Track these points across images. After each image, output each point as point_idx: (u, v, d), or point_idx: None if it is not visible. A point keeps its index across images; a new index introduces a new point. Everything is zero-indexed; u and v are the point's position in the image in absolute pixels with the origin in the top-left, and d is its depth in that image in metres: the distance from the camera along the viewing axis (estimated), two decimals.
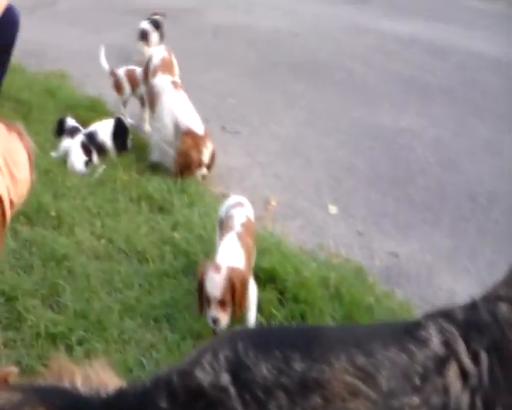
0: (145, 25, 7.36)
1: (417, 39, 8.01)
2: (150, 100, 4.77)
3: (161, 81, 4.66)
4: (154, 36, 7.49)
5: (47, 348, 2.71)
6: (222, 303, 2.68)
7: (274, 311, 3.03)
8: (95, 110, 5.65)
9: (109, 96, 6.12)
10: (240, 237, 2.88)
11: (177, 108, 4.50)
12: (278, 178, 4.70)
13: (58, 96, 5.93)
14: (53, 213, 3.80)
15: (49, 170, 4.49)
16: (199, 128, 4.43)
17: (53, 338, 2.75)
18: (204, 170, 4.53)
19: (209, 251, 3.42)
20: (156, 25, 7.45)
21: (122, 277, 3.23)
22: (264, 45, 7.92)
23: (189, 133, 4.40)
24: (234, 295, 2.66)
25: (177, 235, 3.68)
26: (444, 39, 8.06)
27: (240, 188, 4.55)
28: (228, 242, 2.84)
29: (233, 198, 3.30)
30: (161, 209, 4.09)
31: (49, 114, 5.50)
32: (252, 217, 3.19)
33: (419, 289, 3.53)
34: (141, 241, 3.59)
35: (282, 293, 3.17)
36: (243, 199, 3.29)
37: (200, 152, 4.41)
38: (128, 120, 5.14)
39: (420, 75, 6.73)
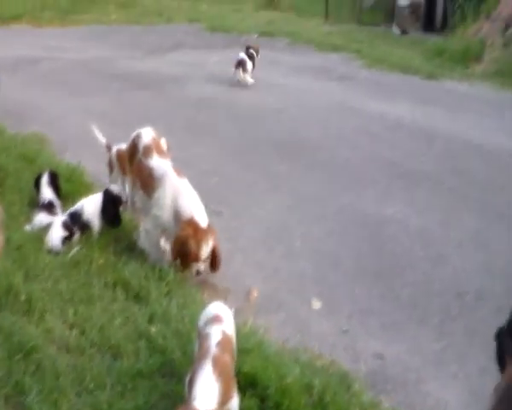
0: (242, 55, 9.98)
1: (402, 122, 8.14)
2: (146, 184, 4.59)
3: (162, 165, 4.55)
4: (249, 64, 9.86)
5: None
6: None
7: None
8: (73, 181, 5.62)
9: (88, 164, 6.10)
10: (216, 363, 2.74)
11: (181, 196, 4.38)
12: (261, 267, 4.65)
13: (36, 163, 5.90)
14: (23, 297, 3.70)
15: (21, 245, 4.41)
16: (202, 220, 4.32)
17: None
18: (201, 266, 4.35)
19: (186, 348, 3.33)
20: (251, 56, 10.08)
21: (94, 375, 3.11)
22: (248, 121, 8.00)
23: (191, 222, 4.27)
24: None
25: (153, 329, 3.59)
26: (428, 123, 8.19)
27: (221, 276, 4.49)
28: (203, 380, 2.68)
29: (212, 308, 3.18)
30: (137, 298, 4.01)
31: (25, 183, 5.44)
32: (231, 330, 3.07)
33: (406, 396, 3.45)
34: (115, 333, 3.49)
35: (263, 400, 3.08)
36: (223, 309, 3.17)
37: (198, 244, 4.24)
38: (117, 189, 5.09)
39: (405, 160, 6.81)
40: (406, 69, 11.43)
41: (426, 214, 5.57)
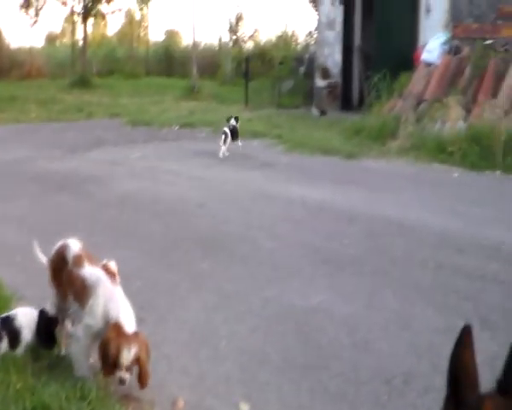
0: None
1: (324, 205, 8.38)
2: (78, 294, 4.46)
3: (94, 273, 4.47)
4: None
5: None
6: None
7: None
8: None
9: (5, 276, 5.96)
10: None
11: (112, 301, 4.28)
12: (186, 374, 4.60)
13: None
14: None
15: None
16: (128, 326, 4.18)
17: None
18: (123, 374, 4.17)
19: None
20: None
21: None
22: (171, 217, 8.05)
23: (116, 326, 4.15)
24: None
25: None
26: (349, 204, 8.47)
27: (149, 388, 4.42)
28: None
29: None
30: None
31: None
32: None
33: None
34: None
35: None
36: None
37: (118, 349, 4.10)
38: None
39: (328, 244, 6.97)
40: (326, 151, 11.86)
41: (351, 300, 5.68)
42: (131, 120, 16.72)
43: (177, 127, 15.40)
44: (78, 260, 4.58)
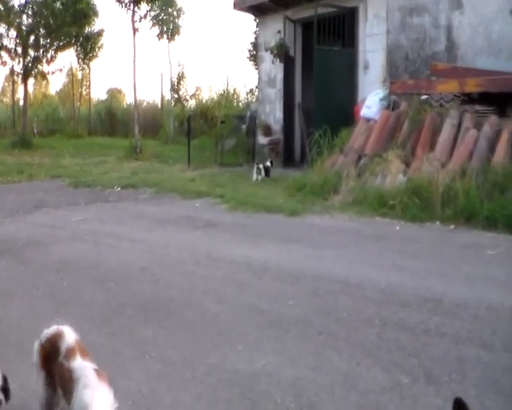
0: None
1: (268, 266, 8.37)
2: (65, 386, 4.17)
3: (82, 368, 4.10)
4: None
5: None
6: None
7: None
8: None
9: None
10: None
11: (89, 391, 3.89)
12: None
13: None
14: None
15: None
16: None
17: None
18: None
19: None
20: None
21: None
22: (112, 283, 7.91)
23: None
24: None
25: None
26: (293, 263, 8.49)
27: None
28: None
29: None
30: None
31: None
32: None
33: None
34: None
35: None
36: None
37: None
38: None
39: (273, 306, 6.94)
40: (269, 209, 11.94)
41: (297, 362, 5.63)
42: (73, 181, 16.54)
43: (119, 188, 15.30)
44: (71, 352, 4.26)
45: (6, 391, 4.43)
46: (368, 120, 15.50)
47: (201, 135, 21.41)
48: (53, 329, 4.55)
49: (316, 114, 18.62)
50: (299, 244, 9.48)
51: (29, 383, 5.32)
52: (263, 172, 16.11)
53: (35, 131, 29.51)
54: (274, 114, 21.73)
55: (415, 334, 6.17)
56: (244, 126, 21.63)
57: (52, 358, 4.35)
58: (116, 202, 13.79)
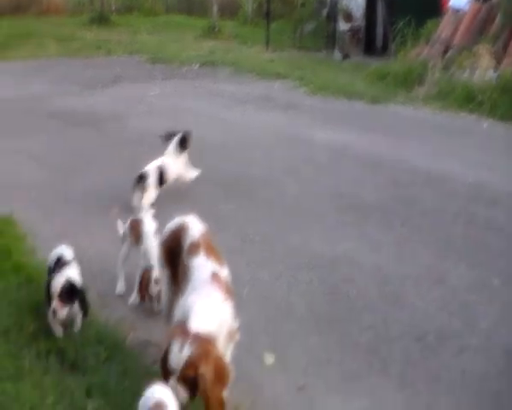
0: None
1: (349, 151, 7.99)
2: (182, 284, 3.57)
3: (203, 266, 3.48)
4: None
5: None
6: None
7: None
8: (3, 235, 5.19)
9: (21, 213, 5.71)
10: None
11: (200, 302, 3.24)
12: None
13: None
14: None
15: None
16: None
17: None
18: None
19: None
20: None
21: None
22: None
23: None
24: None
25: (90, 406, 3.22)
26: (375, 150, 8.06)
27: (162, 331, 4.15)
28: None
29: (153, 394, 2.78)
30: (73, 367, 3.63)
31: None
32: None
33: None
34: None
35: None
36: (165, 393, 2.77)
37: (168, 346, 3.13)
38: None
39: (353, 191, 6.63)
40: (350, 95, 11.37)
41: (379, 250, 5.36)
42: (151, 57, 16.18)
43: (197, 66, 14.87)
44: (195, 248, 3.59)
45: (85, 305, 3.96)
46: (456, 10, 14.41)
47: (280, 18, 20.44)
48: (177, 221, 3.94)
49: (400, 2, 17.48)
50: (381, 133, 8.99)
51: (108, 247, 5.26)
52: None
53: (113, 8, 29.00)
54: (356, 0, 20.58)
55: (504, 234, 5.75)
56: (325, 11, 20.58)
57: (175, 254, 3.71)
58: (194, 80, 13.42)
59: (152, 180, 6.27)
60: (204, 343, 2.97)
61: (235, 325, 3.41)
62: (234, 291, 3.59)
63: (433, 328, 4.29)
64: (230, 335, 3.34)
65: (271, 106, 10.62)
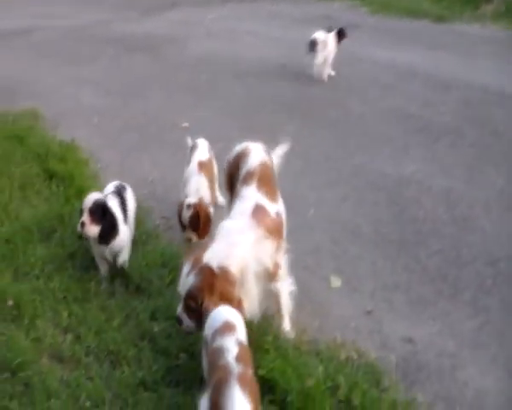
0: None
1: (415, 71, 7.58)
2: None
3: (249, 198, 3.22)
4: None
5: None
6: None
7: None
8: (66, 160, 5.15)
9: (83, 139, 5.66)
10: (243, 384, 2.29)
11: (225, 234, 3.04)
12: None
13: (27, 143, 5.44)
14: (10, 302, 3.28)
15: (10, 238, 3.98)
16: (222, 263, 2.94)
17: None
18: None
19: (192, 349, 2.92)
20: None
21: (90, 390, 2.70)
22: (252, 79, 7.47)
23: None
24: None
25: (156, 327, 3.17)
26: (442, 70, 7.64)
27: None
28: (238, 407, 2.23)
29: (220, 314, 2.65)
30: (138, 290, 3.58)
31: (15, 166, 5.00)
32: (244, 336, 2.59)
33: (442, 387, 3.04)
34: (114, 336, 3.08)
35: (282, 407, 2.67)
36: (232, 313, 2.66)
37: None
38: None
39: (420, 112, 6.29)
40: (414, 13, 10.79)
41: (448, 172, 5.08)
42: None
43: None
44: (250, 177, 3.35)
45: (112, 231, 3.59)
46: None
47: None
48: (241, 146, 3.73)
49: None
50: (448, 52, 8.50)
51: (169, 173, 5.17)
52: None
53: None
54: None
55: None
56: None
57: (234, 179, 3.53)
58: (252, 2, 12.97)
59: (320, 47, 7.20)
60: (209, 277, 2.79)
61: (278, 262, 3.16)
62: (285, 225, 3.40)
63: (505, 255, 4.06)
64: (268, 274, 3.06)
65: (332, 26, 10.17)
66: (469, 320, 3.49)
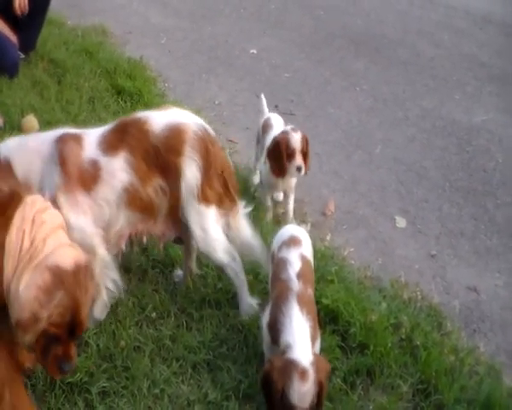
0: None
1: (491, 18, 7.13)
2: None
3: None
4: None
5: (62, 403, 2.17)
6: None
7: (336, 363, 2.45)
8: (134, 77, 5.03)
9: (151, 57, 5.53)
10: (302, 302, 2.24)
11: None
12: (337, 176, 4.06)
13: (96, 58, 5.31)
14: None
15: None
16: None
17: (70, 389, 2.21)
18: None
19: (258, 270, 2.83)
20: None
21: (156, 303, 2.65)
22: (322, 12, 7.14)
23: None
24: (320, 394, 2.09)
25: None
26: None
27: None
28: (297, 324, 2.17)
29: (288, 229, 2.64)
30: None
31: (84, 80, 4.90)
32: (309, 254, 2.55)
33: (504, 339, 2.90)
34: (179, 252, 3.00)
35: (344, 338, 2.58)
36: (299, 231, 2.63)
37: None
38: None
39: (496, 61, 5.93)
40: None
41: None
42: None
43: None
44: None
45: None
46: None
47: None
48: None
49: None
50: None
51: (236, 97, 5.03)
52: None
53: None
54: None
55: None
56: None
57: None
58: None
59: None
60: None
61: None
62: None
63: None
64: None
65: None
66: None
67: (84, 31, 5.94)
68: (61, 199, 2.33)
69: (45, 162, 2.40)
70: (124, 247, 2.52)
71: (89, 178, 2.38)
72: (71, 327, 1.84)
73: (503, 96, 5.21)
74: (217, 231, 2.54)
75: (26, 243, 1.85)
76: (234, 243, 2.64)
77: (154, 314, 2.57)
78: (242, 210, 2.69)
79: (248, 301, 2.63)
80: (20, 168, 2.40)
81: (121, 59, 5.36)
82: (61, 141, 2.44)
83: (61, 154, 2.40)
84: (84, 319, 1.88)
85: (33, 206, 1.93)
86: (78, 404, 2.16)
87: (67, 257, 1.87)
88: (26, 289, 1.78)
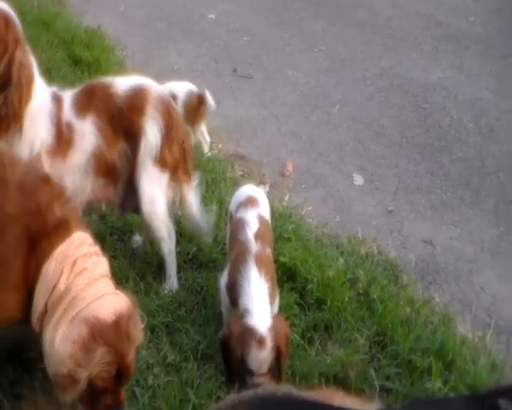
0: None
1: None
2: None
3: None
4: None
5: None
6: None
7: (294, 320, 2.45)
8: (92, 47, 4.89)
9: (109, 26, 5.38)
10: (261, 263, 2.22)
11: None
12: (296, 137, 4.03)
13: (53, 28, 5.13)
14: None
15: None
16: None
17: None
18: None
19: (215, 234, 2.79)
20: None
21: (114, 268, 2.58)
22: None
23: None
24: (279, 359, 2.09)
25: (179, 211, 3.02)
26: None
27: (252, 146, 3.92)
28: (255, 287, 2.15)
29: (245, 190, 2.61)
30: None
31: (41, 50, 4.73)
32: (267, 215, 2.52)
33: (458, 289, 2.95)
34: (136, 218, 2.94)
35: (302, 295, 2.58)
36: (257, 191, 2.61)
37: None
38: None
39: (452, 20, 5.90)
40: None
41: (476, 82, 4.81)
42: None
43: None
44: None
45: None
46: None
47: None
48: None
49: None
50: None
51: (195, 63, 4.93)
52: None
53: None
54: None
55: None
56: None
57: None
58: None
59: None
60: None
61: None
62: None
63: None
64: None
65: None
66: (490, 228, 3.36)
67: (40, 1, 5.74)
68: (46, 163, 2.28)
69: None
70: (81, 214, 2.46)
71: (66, 142, 2.33)
72: (118, 378, 1.75)
73: (458, 54, 5.21)
74: (162, 201, 2.48)
75: (61, 286, 1.74)
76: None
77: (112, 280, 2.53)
78: (194, 187, 2.63)
79: (174, 280, 2.60)
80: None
81: (78, 29, 5.19)
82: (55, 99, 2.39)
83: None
84: (131, 367, 1.79)
85: (79, 247, 1.81)
86: None
87: (107, 308, 1.74)
88: (62, 344, 1.68)
